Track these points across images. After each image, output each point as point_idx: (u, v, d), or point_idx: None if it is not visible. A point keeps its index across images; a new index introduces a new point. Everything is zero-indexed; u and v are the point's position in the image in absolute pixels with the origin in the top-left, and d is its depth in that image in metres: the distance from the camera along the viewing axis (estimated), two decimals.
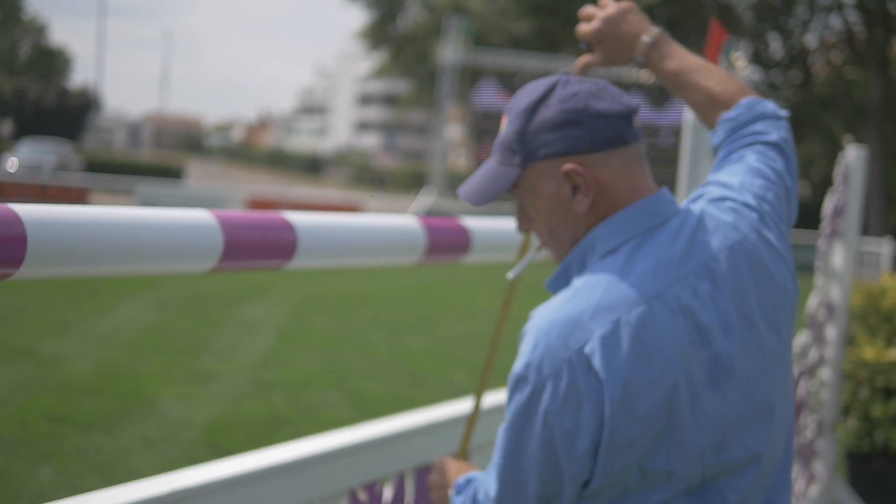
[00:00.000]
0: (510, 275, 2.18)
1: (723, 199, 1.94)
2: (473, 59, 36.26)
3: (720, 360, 1.78)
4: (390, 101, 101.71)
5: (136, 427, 6.71)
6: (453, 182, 49.04)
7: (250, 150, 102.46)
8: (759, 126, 2.10)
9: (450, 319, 13.53)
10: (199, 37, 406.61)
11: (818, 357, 5.94)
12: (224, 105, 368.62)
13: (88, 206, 1.73)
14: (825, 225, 5.91)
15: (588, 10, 2.24)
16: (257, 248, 1.99)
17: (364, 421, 7.34)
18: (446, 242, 2.50)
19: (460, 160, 74.46)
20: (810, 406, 5.89)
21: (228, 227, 1.92)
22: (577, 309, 1.74)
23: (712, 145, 2.18)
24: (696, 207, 1.91)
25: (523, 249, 2.38)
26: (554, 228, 1.88)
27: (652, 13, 47.04)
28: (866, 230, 37.00)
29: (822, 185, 42.78)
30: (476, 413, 2.30)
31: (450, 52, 35.32)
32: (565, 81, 1.85)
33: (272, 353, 9.94)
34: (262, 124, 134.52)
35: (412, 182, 70.74)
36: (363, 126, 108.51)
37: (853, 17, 43.08)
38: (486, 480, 1.89)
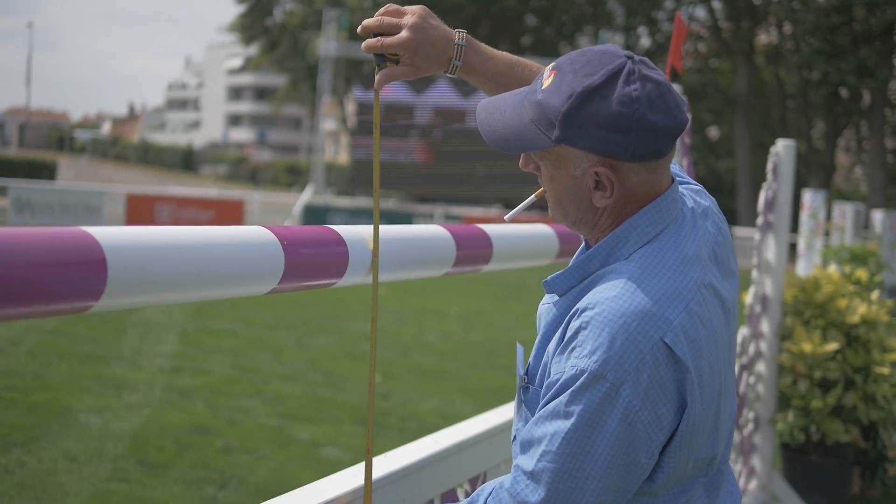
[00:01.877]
0: (506, 217, 2.14)
1: (681, 182, 1.99)
2: (349, 51, 36.18)
3: (732, 337, 1.89)
4: (262, 94, 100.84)
5: (57, 442, 6.41)
6: (332, 176, 48.77)
7: (121, 146, 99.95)
8: None
9: (353, 318, 13.39)
10: (62, 29, 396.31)
11: (755, 351, 5.96)
12: (91, 99, 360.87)
13: (159, 226, 1.57)
14: (759, 218, 5.93)
15: (384, 21, 2.06)
16: (314, 265, 1.86)
17: (290, 426, 7.21)
18: (473, 252, 2.39)
19: (339, 154, 74.09)
20: (750, 400, 5.91)
21: (288, 246, 1.78)
22: (648, 298, 1.71)
23: None
24: (684, 191, 1.95)
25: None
26: (562, 202, 1.87)
27: (527, 6, 47.66)
28: (737, 219, 37.90)
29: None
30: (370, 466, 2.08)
31: (327, 45, 35.11)
32: (630, 72, 1.74)
33: (182, 357, 9.66)
34: (132, 119, 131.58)
35: (288, 176, 70.15)
36: (235, 120, 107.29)
37: (719, 8, 44.01)
38: (518, 490, 1.75)
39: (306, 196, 33.19)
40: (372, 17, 2.10)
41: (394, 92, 33.86)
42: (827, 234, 19.31)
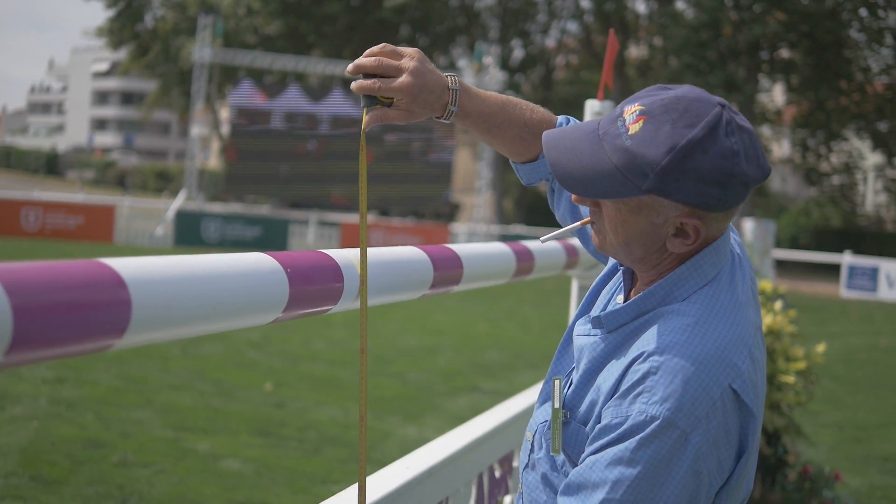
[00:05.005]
0: (541, 239, 2.09)
1: None
2: (225, 58, 35.82)
3: None
4: (129, 98, 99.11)
5: None
6: (203, 182, 48.14)
7: None
8: None
9: None
10: None
11: None
12: None
13: (174, 256, 1.49)
14: None
15: (383, 63, 1.98)
16: (314, 293, 1.79)
17: (186, 438, 7.04)
18: (447, 274, 2.35)
19: (210, 160, 73.24)
20: None
21: (292, 274, 1.71)
22: (717, 343, 1.69)
23: (550, 171, 2.14)
24: None
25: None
26: (630, 244, 1.80)
27: (402, 17, 47.72)
28: None
29: None
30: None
31: (202, 52, 34.67)
32: (728, 122, 1.70)
33: (64, 367, 9.36)
34: None
35: (158, 182, 68.98)
36: (101, 124, 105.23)
37: (591, 21, 44.74)
38: None
39: (179, 202, 32.63)
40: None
41: (269, 98, 33.68)
42: None
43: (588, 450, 1.73)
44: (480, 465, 2.90)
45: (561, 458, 1.86)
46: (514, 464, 3.26)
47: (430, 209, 38.85)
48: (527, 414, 3.24)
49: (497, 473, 3.09)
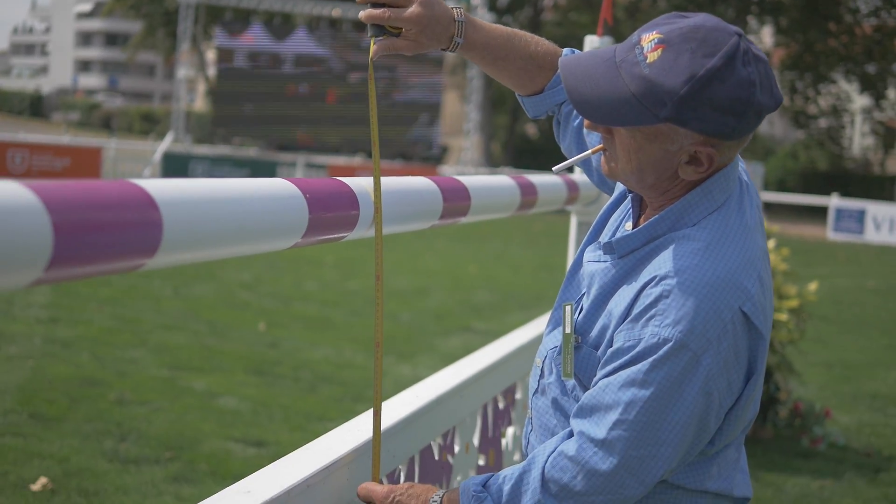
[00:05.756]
0: (553, 169, 2.09)
1: None
2: None
3: None
4: (113, 39, 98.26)
5: None
6: (189, 124, 47.97)
7: None
8: None
9: (227, 266, 13.16)
10: None
11: None
12: None
13: (200, 179, 1.51)
14: None
15: None
16: (332, 219, 1.82)
17: (182, 377, 7.08)
18: (456, 205, 2.37)
19: (195, 102, 72.87)
20: None
21: (311, 199, 1.74)
22: (728, 267, 1.72)
23: (556, 103, 2.22)
24: None
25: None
26: (643, 170, 1.81)
27: None
28: None
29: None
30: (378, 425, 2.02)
31: None
32: (745, 52, 1.71)
33: (57, 307, 9.39)
34: None
35: (143, 124, 68.61)
36: (84, 65, 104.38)
37: None
38: (586, 457, 1.72)
39: (166, 144, 32.48)
40: None
41: (256, 40, 33.46)
42: None
43: (600, 373, 1.76)
44: (485, 397, 2.94)
45: (571, 382, 1.89)
46: (518, 396, 3.31)
47: (418, 151, 38.75)
48: (529, 347, 3.27)
49: (501, 405, 3.14)
